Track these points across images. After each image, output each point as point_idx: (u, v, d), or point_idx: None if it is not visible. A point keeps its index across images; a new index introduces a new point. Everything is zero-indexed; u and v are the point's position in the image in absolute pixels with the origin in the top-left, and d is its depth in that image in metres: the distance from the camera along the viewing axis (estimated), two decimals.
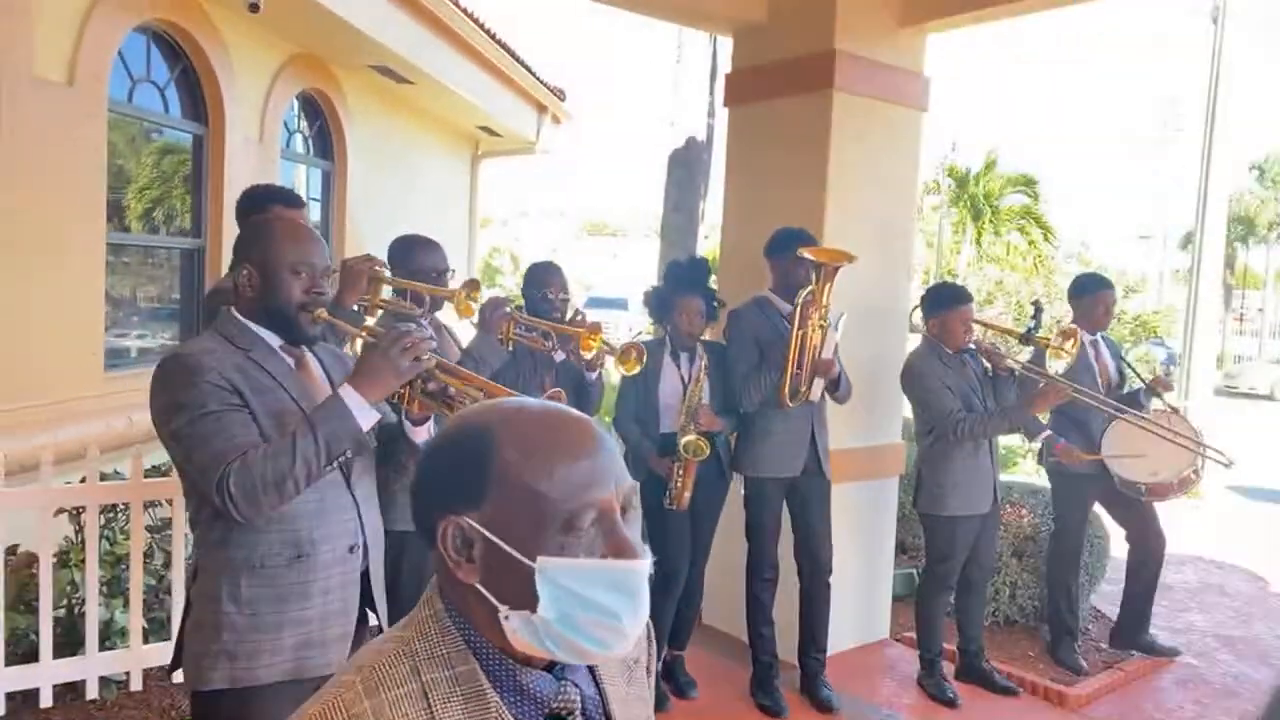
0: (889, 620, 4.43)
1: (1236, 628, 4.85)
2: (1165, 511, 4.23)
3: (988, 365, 3.77)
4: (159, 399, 1.70)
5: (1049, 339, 3.71)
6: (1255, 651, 4.50)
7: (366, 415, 1.69)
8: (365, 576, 1.86)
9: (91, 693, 3.23)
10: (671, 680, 3.71)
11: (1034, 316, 3.79)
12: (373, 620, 1.96)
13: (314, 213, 7.20)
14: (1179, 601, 5.23)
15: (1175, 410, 4.29)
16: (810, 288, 3.40)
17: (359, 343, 2.20)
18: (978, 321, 3.89)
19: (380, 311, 2.72)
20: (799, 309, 3.40)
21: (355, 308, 2.60)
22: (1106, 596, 4.79)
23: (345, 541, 1.79)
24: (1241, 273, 36.94)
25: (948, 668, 3.93)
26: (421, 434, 1.88)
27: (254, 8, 4.85)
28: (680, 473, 3.38)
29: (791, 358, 3.42)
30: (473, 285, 2.66)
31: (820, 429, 3.62)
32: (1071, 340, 3.66)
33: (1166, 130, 30.81)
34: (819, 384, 3.49)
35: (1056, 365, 3.70)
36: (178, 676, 2.35)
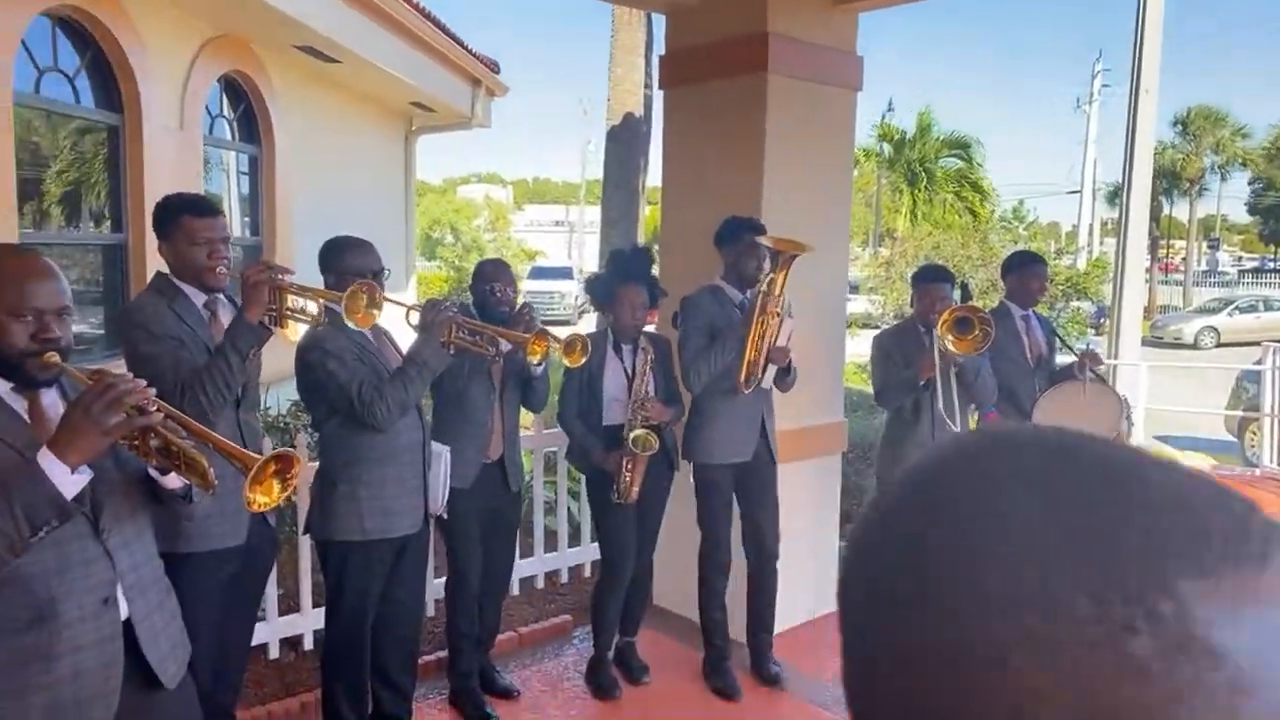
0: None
1: None
2: None
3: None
4: None
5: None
6: None
7: (68, 481, 1.52)
8: (130, 627, 1.73)
9: None
10: (624, 667, 3.75)
11: (962, 297, 3.87)
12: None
13: (242, 198, 7.00)
14: None
15: (1102, 380, 4.43)
16: (769, 275, 3.42)
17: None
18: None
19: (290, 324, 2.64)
20: (759, 297, 3.43)
21: (262, 322, 2.52)
22: None
23: (96, 595, 1.66)
24: (1167, 224, 38.13)
25: None
26: (174, 481, 1.75)
27: None
28: (629, 467, 3.39)
29: (751, 345, 3.45)
30: (371, 291, 2.58)
31: (769, 414, 3.67)
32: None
33: (1097, 85, 31.42)
34: (771, 371, 3.52)
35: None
36: None
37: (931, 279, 3.85)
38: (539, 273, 26.70)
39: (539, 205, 65.16)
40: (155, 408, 1.62)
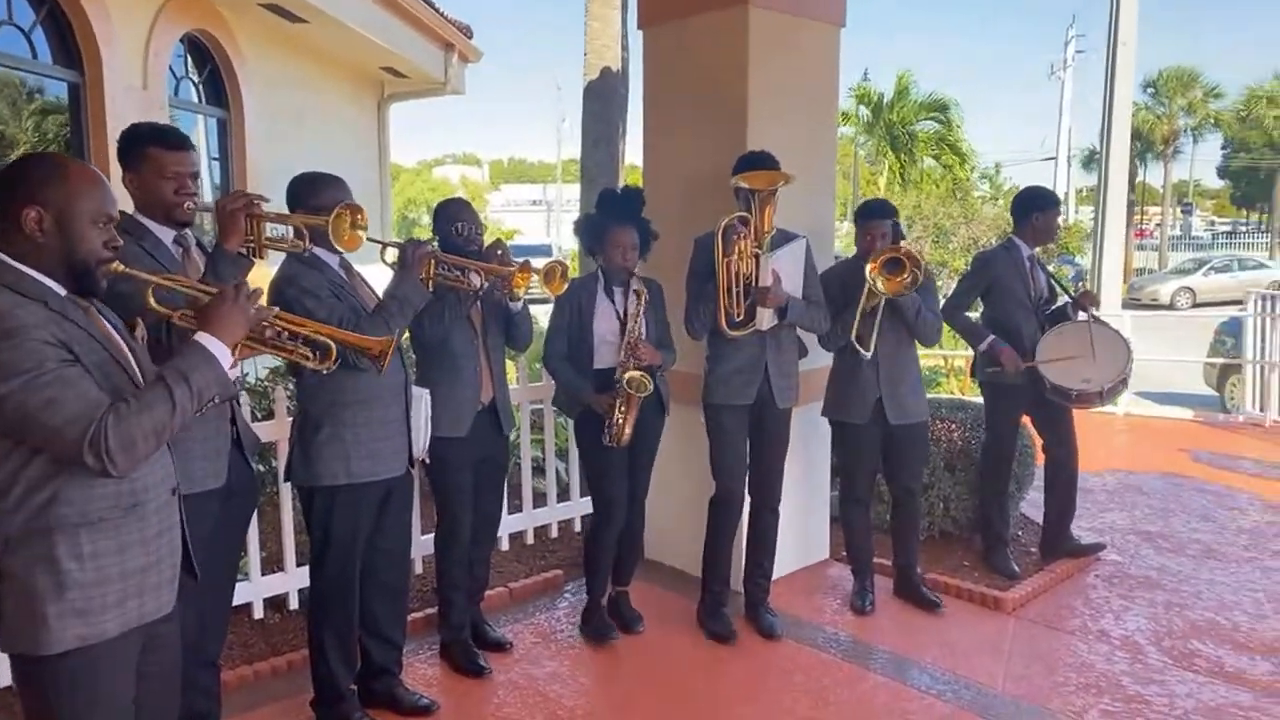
0: (829, 541, 4.48)
1: (1155, 523, 5.07)
2: (1083, 422, 4.34)
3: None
4: None
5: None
6: (1173, 544, 4.71)
7: (228, 359, 1.77)
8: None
9: None
10: (617, 616, 3.68)
11: (893, 238, 3.76)
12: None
13: (211, 164, 6.82)
14: (1100, 503, 5.43)
15: (1105, 323, 4.36)
16: (733, 214, 3.34)
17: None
18: None
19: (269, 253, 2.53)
20: (720, 236, 3.33)
21: (241, 251, 2.42)
22: (1035, 503, 4.93)
23: (168, 485, 1.83)
24: (1141, 190, 38.34)
25: (885, 582, 4.02)
26: (232, 373, 1.88)
27: None
28: (623, 409, 3.30)
29: (721, 286, 3.36)
30: (355, 213, 2.48)
31: (776, 358, 3.52)
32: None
33: (1070, 51, 31.42)
34: (766, 313, 3.41)
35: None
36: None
37: (870, 215, 3.74)
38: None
39: (516, 185, 64.63)
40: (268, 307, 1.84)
